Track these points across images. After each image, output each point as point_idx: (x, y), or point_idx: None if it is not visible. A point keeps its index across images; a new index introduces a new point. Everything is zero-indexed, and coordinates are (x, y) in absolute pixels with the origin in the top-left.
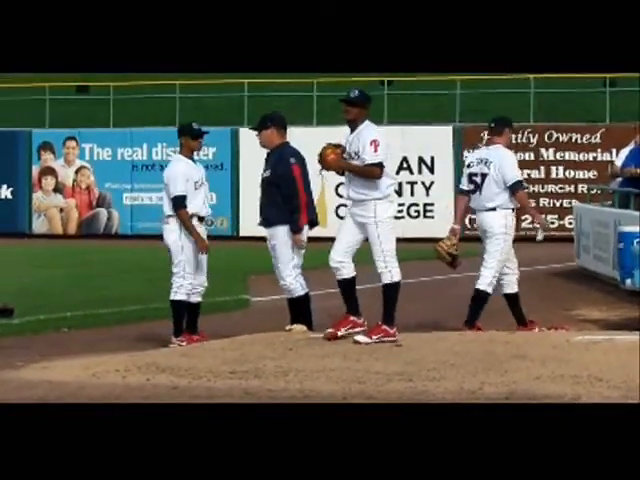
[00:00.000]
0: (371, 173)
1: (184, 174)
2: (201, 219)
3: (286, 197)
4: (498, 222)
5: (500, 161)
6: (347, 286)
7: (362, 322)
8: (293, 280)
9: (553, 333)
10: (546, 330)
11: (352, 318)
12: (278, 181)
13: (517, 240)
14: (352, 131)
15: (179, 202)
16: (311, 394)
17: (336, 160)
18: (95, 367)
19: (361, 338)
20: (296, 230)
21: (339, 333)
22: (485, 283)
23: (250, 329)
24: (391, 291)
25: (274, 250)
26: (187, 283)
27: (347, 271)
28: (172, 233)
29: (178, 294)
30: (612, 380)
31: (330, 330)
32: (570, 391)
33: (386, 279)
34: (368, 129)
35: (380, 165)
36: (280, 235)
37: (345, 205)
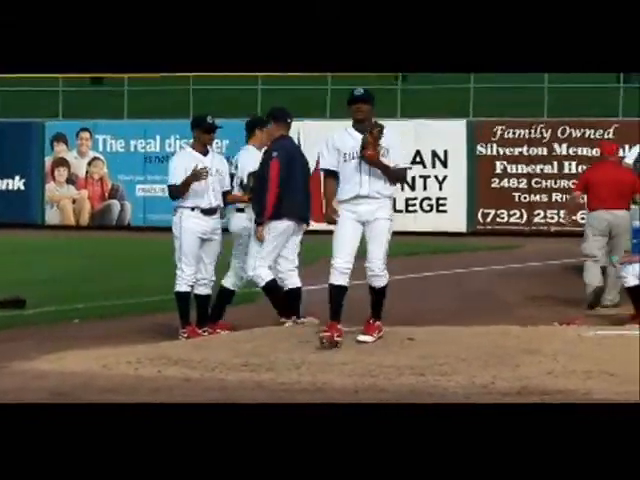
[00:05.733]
0: (403, 176)
1: (181, 165)
2: (206, 212)
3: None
4: None
5: None
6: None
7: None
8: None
9: (565, 328)
10: (558, 325)
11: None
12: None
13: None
14: (361, 131)
15: (169, 191)
16: (324, 387)
17: (374, 157)
18: (106, 358)
19: (363, 337)
20: (256, 222)
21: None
22: None
23: (265, 321)
24: (384, 294)
25: None
26: (186, 275)
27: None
28: (173, 224)
29: (177, 285)
30: (624, 375)
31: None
32: (582, 386)
33: (383, 282)
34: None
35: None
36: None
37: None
